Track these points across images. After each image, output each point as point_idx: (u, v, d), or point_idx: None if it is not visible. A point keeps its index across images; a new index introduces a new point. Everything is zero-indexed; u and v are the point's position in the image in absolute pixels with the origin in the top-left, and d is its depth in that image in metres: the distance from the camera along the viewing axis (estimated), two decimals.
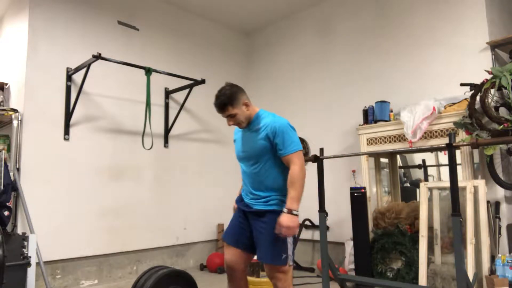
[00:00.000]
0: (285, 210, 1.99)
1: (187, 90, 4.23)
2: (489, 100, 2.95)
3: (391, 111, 3.62)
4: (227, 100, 2.10)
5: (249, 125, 2.20)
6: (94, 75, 3.65)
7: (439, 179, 3.82)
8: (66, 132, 3.58)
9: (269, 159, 2.12)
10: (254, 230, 2.14)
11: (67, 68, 3.64)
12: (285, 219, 1.96)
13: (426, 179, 3.98)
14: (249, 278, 3.26)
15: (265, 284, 3.16)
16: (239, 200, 2.29)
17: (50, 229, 3.36)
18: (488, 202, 2.98)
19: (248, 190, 2.22)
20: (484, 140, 2.48)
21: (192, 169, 4.56)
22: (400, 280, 3.12)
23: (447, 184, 2.62)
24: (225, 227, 4.48)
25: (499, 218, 3.06)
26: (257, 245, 2.12)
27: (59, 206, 3.46)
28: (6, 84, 3.71)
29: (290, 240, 2.09)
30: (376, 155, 3.78)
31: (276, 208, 2.09)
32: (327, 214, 2.76)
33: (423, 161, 4.02)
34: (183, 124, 4.50)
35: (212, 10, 4.77)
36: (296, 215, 1.99)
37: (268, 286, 2.76)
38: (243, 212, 2.23)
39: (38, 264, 3.07)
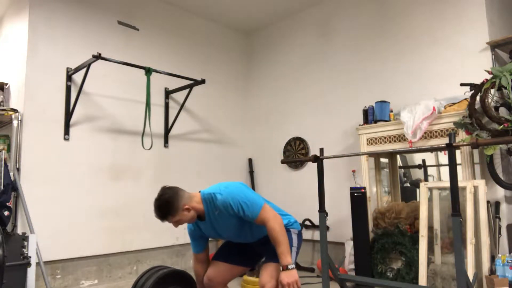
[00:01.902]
0: (280, 268, 1.95)
1: (187, 90, 4.23)
2: (489, 100, 2.95)
3: (391, 111, 3.62)
4: (163, 214, 2.02)
5: (207, 215, 2.10)
6: (94, 75, 3.64)
7: (439, 179, 3.82)
8: (66, 132, 3.58)
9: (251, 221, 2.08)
10: (258, 247, 2.20)
11: (67, 68, 3.64)
12: (284, 277, 1.92)
13: (426, 179, 3.98)
14: (249, 278, 3.27)
15: None
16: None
17: (50, 229, 3.36)
18: (488, 202, 2.98)
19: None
20: (484, 140, 2.48)
21: (192, 169, 4.56)
22: (400, 280, 3.12)
23: (447, 184, 2.62)
24: None
25: (499, 218, 3.06)
26: (263, 253, 2.18)
27: (59, 206, 3.46)
28: (6, 84, 3.71)
29: (294, 249, 2.14)
30: (376, 155, 3.78)
31: (286, 227, 2.11)
32: (327, 214, 2.75)
33: (423, 161, 4.02)
34: (183, 124, 4.50)
35: (212, 10, 4.77)
36: (293, 268, 1.95)
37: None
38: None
39: (38, 264, 3.07)
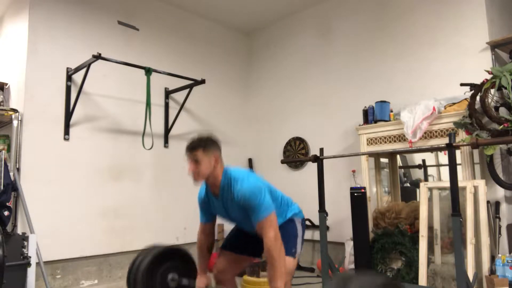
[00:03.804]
0: None
1: (187, 90, 4.23)
2: (489, 100, 2.95)
3: (391, 111, 3.62)
4: (201, 143, 2.00)
5: (221, 192, 2.08)
6: (94, 75, 3.64)
7: (439, 179, 3.82)
8: (66, 132, 3.58)
9: None
10: None
11: (67, 68, 3.64)
12: None
13: (426, 179, 3.98)
14: (249, 278, 3.27)
15: (264, 284, 3.15)
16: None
17: (50, 229, 3.36)
18: (488, 202, 2.98)
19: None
20: (484, 140, 2.48)
21: None
22: (400, 280, 3.12)
23: (447, 184, 2.62)
24: (225, 227, 4.51)
25: (499, 218, 3.06)
26: None
27: (59, 206, 3.46)
28: (6, 84, 3.71)
29: (299, 239, 2.16)
30: (376, 155, 3.78)
31: (290, 217, 2.15)
32: (327, 214, 2.76)
33: (423, 161, 4.02)
34: (183, 124, 4.50)
35: (212, 10, 4.77)
36: None
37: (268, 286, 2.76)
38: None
39: (38, 264, 3.07)
